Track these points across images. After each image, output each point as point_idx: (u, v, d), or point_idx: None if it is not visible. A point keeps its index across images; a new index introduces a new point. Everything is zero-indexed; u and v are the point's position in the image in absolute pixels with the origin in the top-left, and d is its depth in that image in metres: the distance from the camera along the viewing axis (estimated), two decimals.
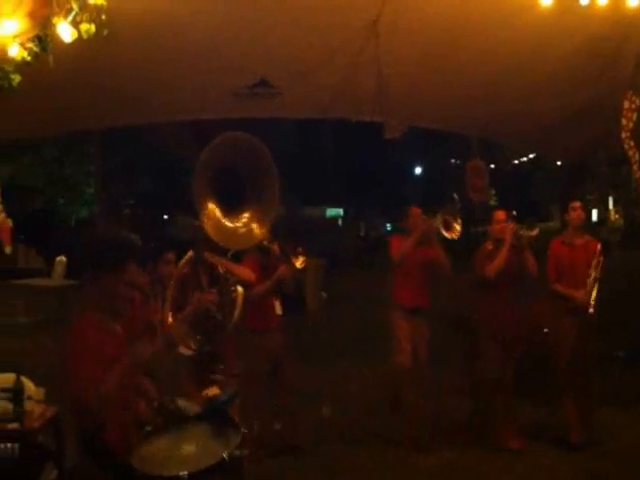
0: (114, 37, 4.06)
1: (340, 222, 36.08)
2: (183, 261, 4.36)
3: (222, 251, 4.40)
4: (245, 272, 4.92)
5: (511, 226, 5.68)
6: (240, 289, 4.51)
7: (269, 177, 3.87)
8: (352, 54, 5.59)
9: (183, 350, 4.12)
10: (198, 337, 4.15)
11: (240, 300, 4.49)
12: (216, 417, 3.02)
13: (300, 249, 5.71)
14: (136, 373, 3.04)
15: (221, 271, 4.43)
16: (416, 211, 6.14)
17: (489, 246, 5.87)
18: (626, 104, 5.85)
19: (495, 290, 5.62)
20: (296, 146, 24.99)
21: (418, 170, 37.65)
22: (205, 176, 3.72)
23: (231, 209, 3.90)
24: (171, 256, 4.51)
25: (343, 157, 30.44)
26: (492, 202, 15.36)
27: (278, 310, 5.66)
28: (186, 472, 2.56)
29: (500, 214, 5.91)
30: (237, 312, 4.44)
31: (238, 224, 3.95)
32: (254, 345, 5.42)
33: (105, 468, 2.83)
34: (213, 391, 3.42)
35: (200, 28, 5.03)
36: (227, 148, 3.74)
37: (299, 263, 5.63)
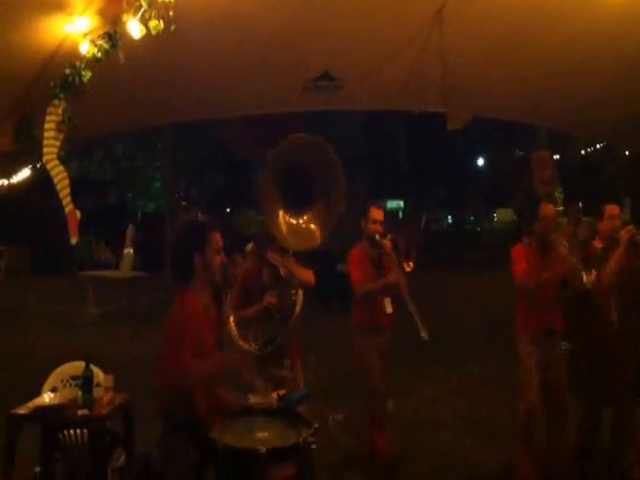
0: (182, 33, 4.14)
1: (400, 214, 35.85)
2: (245, 256, 4.45)
3: (285, 251, 4.37)
4: (307, 275, 4.63)
5: (629, 228, 4.65)
6: (300, 292, 4.54)
7: (335, 178, 3.90)
8: (416, 45, 5.55)
9: (246, 347, 4.22)
10: (260, 336, 4.27)
11: (300, 302, 4.52)
12: (287, 414, 3.14)
13: (413, 252, 5.00)
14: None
15: (282, 273, 4.41)
16: (614, 210, 4.94)
17: (597, 244, 4.95)
18: None
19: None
20: (357, 138, 24.90)
21: (481, 162, 37.00)
22: (272, 175, 3.78)
23: (296, 209, 3.95)
24: (239, 258, 4.57)
25: (404, 149, 30.20)
26: (558, 194, 14.92)
27: (389, 308, 5.09)
28: (264, 447, 2.69)
29: (613, 208, 4.97)
30: (297, 313, 4.48)
31: (302, 224, 3.99)
32: (365, 343, 5.08)
33: (188, 442, 3.00)
34: (282, 392, 3.48)
35: (265, 23, 5.08)
36: (295, 148, 3.80)
37: (408, 267, 4.91)
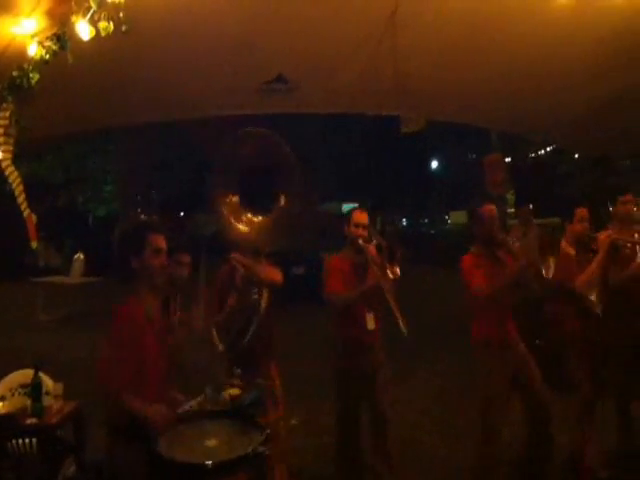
0: (134, 34, 4.09)
1: None
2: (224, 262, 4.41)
3: (257, 251, 4.35)
4: (273, 274, 4.47)
5: (609, 233, 4.61)
6: (266, 292, 4.47)
7: (292, 179, 3.89)
8: (370, 48, 5.56)
9: (220, 347, 4.23)
10: (228, 337, 4.25)
11: (265, 302, 4.46)
12: (240, 417, 3.06)
13: (398, 254, 4.43)
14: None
15: (243, 273, 4.34)
16: (584, 213, 4.82)
17: (569, 250, 4.74)
18: None
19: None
20: (311, 142, 24.98)
21: (435, 164, 37.51)
22: (227, 173, 3.74)
23: (250, 209, 3.92)
24: (185, 257, 4.47)
25: (359, 152, 30.41)
26: (510, 196, 15.26)
27: (371, 324, 4.57)
28: (210, 462, 2.61)
29: (583, 211, 4.90)
30: (261, 314, 4.43)
31: (256, 225, 3.97)
32: (345, 366, 4.62)
33: (135, 456, 2.88)
34: (234, 391, 3.43)
35: (219, 24, 5.04)
36: (250, 145, 3.77)
37: (392, 273, 4.33)
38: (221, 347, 4.24)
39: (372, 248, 4.41)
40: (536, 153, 23.12)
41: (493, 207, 4.64)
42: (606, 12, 4.99)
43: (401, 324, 4.16)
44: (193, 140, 19.41)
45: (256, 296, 4.44)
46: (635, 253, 4.65)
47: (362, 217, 4.68)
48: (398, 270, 4.32)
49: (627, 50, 5.70)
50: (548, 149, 21.36)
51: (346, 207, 35.08)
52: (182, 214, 28.74)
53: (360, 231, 4.59)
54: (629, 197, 4.94)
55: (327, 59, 5.86)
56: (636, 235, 4.75)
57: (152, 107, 7.03)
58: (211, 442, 2.83)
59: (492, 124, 9.45)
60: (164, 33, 4.96)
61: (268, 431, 2.89)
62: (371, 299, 4.46)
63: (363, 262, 4.47)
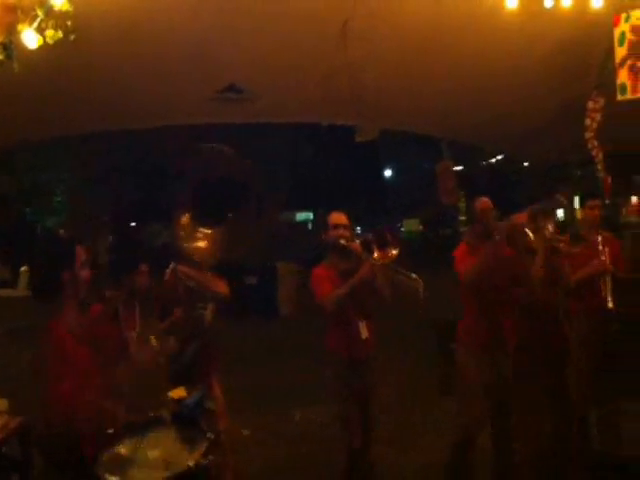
0: (84, 43, 4.01)
1: (310, 226, 36.12)
2: (168, 271, 4.33)
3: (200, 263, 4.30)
4: (220, 287, 4.42)
5: (544, 234, 4.51)
6: (211, 305, 4.43)
7: (248, 192, 3.89)
8: (324, 58, 5.60)
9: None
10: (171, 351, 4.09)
11: (210, 315, 4.42)
12: (183, 421, 3.00)
13: (389, 236, 4.06)
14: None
15: (191, 285, 4.30)
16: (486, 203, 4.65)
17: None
18: (590, 105, 5.96)
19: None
20: (264, 151, 24.92)
21: (389, 173, 37.85)
22: (188, 188, 3.73)
23: (208, 222, 3.90)
24: (144, 267, 4.43)
25: (312, 161, 30.47)
26: (461, 204, 15.46)
27: (364, 333, 4.26)
28: None
29: (522, 216, 4.77)
30: (206, 327, 4.39)
31: (214, 236, 3.94)
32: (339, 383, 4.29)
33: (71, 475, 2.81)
34: (178, 393, 3.36)
35: (171, 34, 5.02)
36: (202, 161, 3.76)
37: (386, 256, 3.97)
38: (161, 359, 4.15)
39: (356, 245, 4.09)
40: (488, 161, 23.54)
41: (487, 199, 4.59)
42: (552, 24, 5.12)
43: (420, 290, 3.87)
44: (147, 148, 19.18)
45: (202, 310, 4.40)
46: (590, 255, 4.79)
47: (340, 218, 4.31)
48: (394, 250, 3.95)
49: (575, 61, 5.86)
50: (499, 157, 21.75)
51: (300, 216, 35.20)
52: (135, 224, 28.27)
53: (340, 231, 4.22)
54: (597, 202, 5.01)
55: (282, 69, 5.88)
56: (599, 238, 4.88)
57: (102, 116, 6.92)
58: (153, 453, 2.77)
59: (444, 133, 9.57)
60: (114, 42, 4.90)
61: (211, 436, 2.85)
62: (364, 304, 4.19)
63: (350, 267, 4.12)
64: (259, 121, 7.59)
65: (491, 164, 23.55)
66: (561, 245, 4.42)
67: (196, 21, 4.91)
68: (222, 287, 4.43)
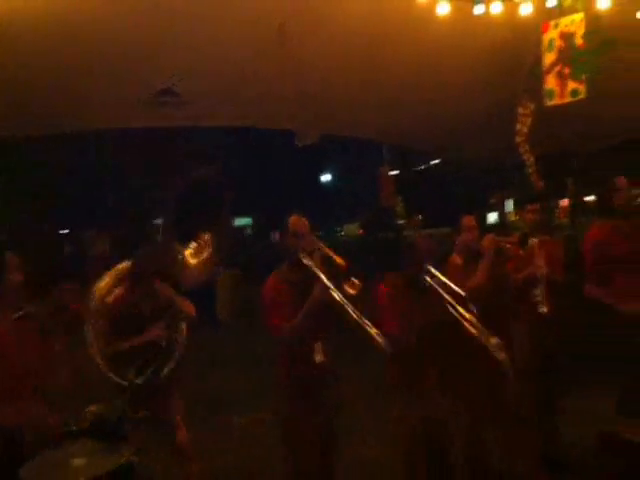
0: (19, 46, 3.90)
1: (249, 231, 35.96)
2: (110, 281, 4.18)
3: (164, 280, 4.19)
4: (189, 307, 4.28)
5: (491, 237, 4.47)
6: (184, 325, 4.31)
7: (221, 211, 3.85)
8: (261, 62, 5.59)
9: (118, 380, 3.99)
10: (134, 369, 4.00)
11: (183, 337, 4.30)
12: (106, 433, 3.00)
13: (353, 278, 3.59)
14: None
15: (166, 304, 4.18)
16: (471, 221, 4.59)
17: (457, 260, 4.60)
18: (520, 109, 6.15)
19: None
20: (201, 155, 24.65)
21: (328, 177, 38.06)
22: (174, 212, 3.68)
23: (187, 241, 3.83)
24: (67, 285, 4.22)
25: (251, 165, 30.34)
26: (399, 207, 15.71)
27: (319, 356, 3.73)
28: None
29: (470, 220, 4.73)
30: (181, 346, 4.27)
31: (194, 257, 3.88)
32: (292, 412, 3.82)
33: None
34: (99, 408, 3.30)
35: (107, 37, 4.93)
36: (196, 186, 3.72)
37: (352, 287, 3.54)
38: (119, 380, 4.01)
39: (316, 259, 3.69)
40: (427, 164, 23.92)
41: (471, 218, 4.57)
42: (483, 29, 5.25)
43: (378, 339, 3.40)
44: (83, 151, 18.71)
45: (173, 331, 4.25)
46: (532, 257, 4.80)
47: (301, 225, 3.80)
48: (357, 281, 3.54)
49: (505, 67, 6.02)
50: (437, 160, 22.12)
51: (239, 221, 34.98)
52: (68, 231, 27.42)
53: (298, 241, 3.73)
54: (536, 206, 5.03)
55: (219, 73, 5.84)
56: (536, 241, 4.85)
57: (37, 120, 6.73)
58: (78, 461, 2.76)
59: (383, 137, 9.70)
60: (48, 45, 4.78)
61: (130, 445, 2.86)
62: (319, 323, 3.65)
63: (304, 280, 3.66)
64: (198, 125, 7.52)
65: (430, 168, 23.95)
66: (508, 247, 4.47)
67: (132, 24, 4.84)
68: (190, 307, 4.30)
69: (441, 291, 3.79)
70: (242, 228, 34.93)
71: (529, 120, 6.22)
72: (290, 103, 5.99)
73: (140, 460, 2.89)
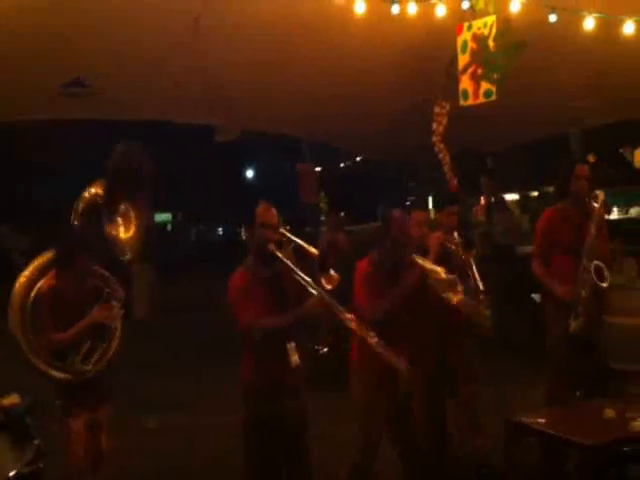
0: None
1: (169, 227, 35.41)
2: (32, 275, 3.93)
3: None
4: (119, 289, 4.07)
5: (438, 235, 4.44)
6: (120, 310, 4.10)
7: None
8: (176, 55, 5.46)
9: (62, 376, 3.79)
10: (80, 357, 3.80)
11: (120, 322, 4.10)
12: (14, 427, 2.91)
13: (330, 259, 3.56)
14: None
15: (106, 287, 3.98)
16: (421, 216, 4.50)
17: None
18: (437, 109, 6.26)
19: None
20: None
21: (250, 173, 37.85)
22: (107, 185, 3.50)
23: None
24: None
25: (170, 161, 29.74)
26: (323, 204, 15.76)
27: (294, 358, 3.43)
28: None
29: (420, 215, 4.68)
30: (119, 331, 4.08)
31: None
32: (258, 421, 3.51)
33: None
34: (11, 400, 3.14)
35: (16, 27, 4.74)
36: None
37: (328, 282, 3.42)
38: (62, 375, 3.78)
39: (289, 255, 3.51)
40: (352, 161, 24.07)
41: (423, 213, 4.63)
42: (400, 29, 5.31)
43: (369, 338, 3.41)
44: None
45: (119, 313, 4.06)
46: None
47: (270, 215, 3.52)
48: (335, 274, 3.43)
49: (421, 66, 6.11)
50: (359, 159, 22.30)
51: (159, 217, 34.34)
52: None
53: (269, 233, 3.47)
54: (455, 208, 4.87)
55: (132, 64, 5.67)
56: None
57: None
58: None
59: (303, 134, 9.69)
60: None
61: (38, 442, 2.75)
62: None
63: (274, 274, 3.48)
64: (110, 118, 7.29)
65: (352, 165, 24.13)
66: (453, 248, 4.43)
67: (42, 13, 4.65)
68: (119, 291, 4.11)
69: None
70: (162, 224, 34.35)
71: (445, 119, 6.34)
72: (206, 98, 5.88)
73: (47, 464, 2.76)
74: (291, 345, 3.42)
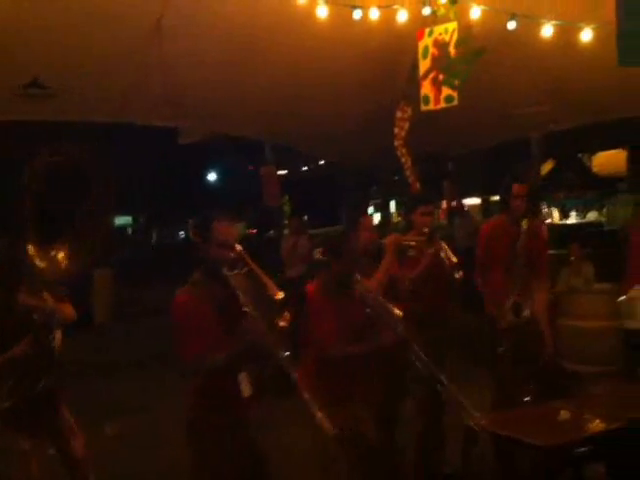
0: None
1: (130, 231, 34.97)
2: None
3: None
4: (68, 310, 3.87)
5: (395, 236, 4.43)
6: (59, 332, 3.90)
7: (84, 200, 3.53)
8: (137, 58, 5.40)
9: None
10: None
11: (58, 344, 3.91)
12: None
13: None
14: None
15: (36, 316, 3.75)
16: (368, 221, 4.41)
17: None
18: (398, 114, 6.29)
19: None
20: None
21: (214, 176, 37.59)
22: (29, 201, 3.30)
23: (46, 239, 3.48)
24: None
25: (132, 163, 29.42)
26: (286, 207, 15.75)
27: (246, 389, 3.10)
28: None
29: (369, 219, 4.67)
30: (54, 358, 3.90)
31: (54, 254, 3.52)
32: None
33: None
34: None
35: None
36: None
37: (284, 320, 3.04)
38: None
39: (239, 278, 3.09)
40: (315, 164, 24.08)
41: (370, 218, 4.43)
42: (362, 34, 5.32)
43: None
44: None
45: (53, 341, 3.87)
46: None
47: (230, 233, 3.13)
48: (288, 315, 3.07)
49: (383, 71, 6.14)
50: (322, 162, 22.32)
51: (120, 220, 33.90)
52: None
53: (226, 255, 3.06)
54: (430, 208, 4.85)
55: (91, 66, 5.57)
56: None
57: None
58: None
59: (266, 137, 9.65)
60: None
61: None
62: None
63: (226, 295, 2.98)
64: (69, 120, 7.14)
65: (315, 168, 24.13)
66: (412, 244, 4.42)
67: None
68: (69, 311, 3.91)
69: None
70: (124, 228, 33.92)
71: (407, 124, 6.37)
72: (168, 99, 5.82)
73: None
74: (243, 375, 3.08)
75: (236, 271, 3.12)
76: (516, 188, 4.65)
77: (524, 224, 4.59)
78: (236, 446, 3.06)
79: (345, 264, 3.61)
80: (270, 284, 3.27)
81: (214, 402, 3.03)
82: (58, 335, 3.94)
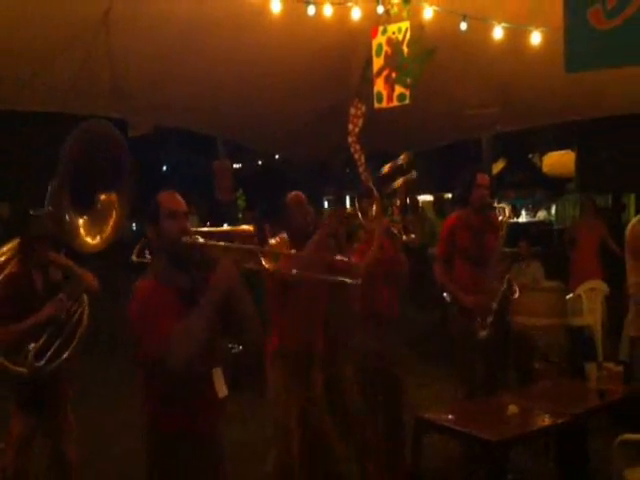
0: None
1: None
2: (4, 258, 3.66)
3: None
4: (92, 279, 3.86)
5: (385, 221, 4.47)
6: (86, 299, 3.89)
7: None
8: (83, 47, 5.22)
9: (19, 369, 3.57)
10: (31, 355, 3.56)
11: (87, 311, 3.88)
12: None
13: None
14: None
15: (56, 276, 3.77)
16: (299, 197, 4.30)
17: None
18: (352, 110, 6.30)
19: None
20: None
21: (165, 169, 37.12)
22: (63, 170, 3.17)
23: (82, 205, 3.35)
24: None
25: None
26: (241, 202, 15.60)
27: (221, 389, 2.62)
28: None
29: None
30: (84, 324, 3.85)
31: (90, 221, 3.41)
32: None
33: None
34: None
35: None
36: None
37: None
38: (23, 369, 3.56)
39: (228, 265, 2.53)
40: (269, 158, 24.00)
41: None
42: (316, 30, 5.29)
43: None
44: None
45: (81, 306, 3.84)
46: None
47: (176, 201, 2.62)
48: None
49: (337, 68, 6.13)
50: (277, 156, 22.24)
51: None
52: None
53: (181, 223, 2.56)
54: (372, 199, 4.65)
55: (32, 55, 5.37)
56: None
57: None
58: None
59: (216, 132, 9.53)
60: None
61: None
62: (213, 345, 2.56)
63: (193, 286, 2.55)
64: (9, 109, 6.88)
65: (269, 162, 24.04)
66: (396, 231, 4.44)
67: None
68: (94, 282, 3.84)
69: None
70: None
71: (360, 121, 6.38)
72: (114, 91, 5.68)
73: None
74: (217, 371, 2.58)
75: None
76: (480, 177, 4.76)
77: (505, 217, 4.69)
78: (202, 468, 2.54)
79: None
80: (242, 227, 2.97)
81: (180, 409, 2.48)
82: (85, 301, 3.90)
